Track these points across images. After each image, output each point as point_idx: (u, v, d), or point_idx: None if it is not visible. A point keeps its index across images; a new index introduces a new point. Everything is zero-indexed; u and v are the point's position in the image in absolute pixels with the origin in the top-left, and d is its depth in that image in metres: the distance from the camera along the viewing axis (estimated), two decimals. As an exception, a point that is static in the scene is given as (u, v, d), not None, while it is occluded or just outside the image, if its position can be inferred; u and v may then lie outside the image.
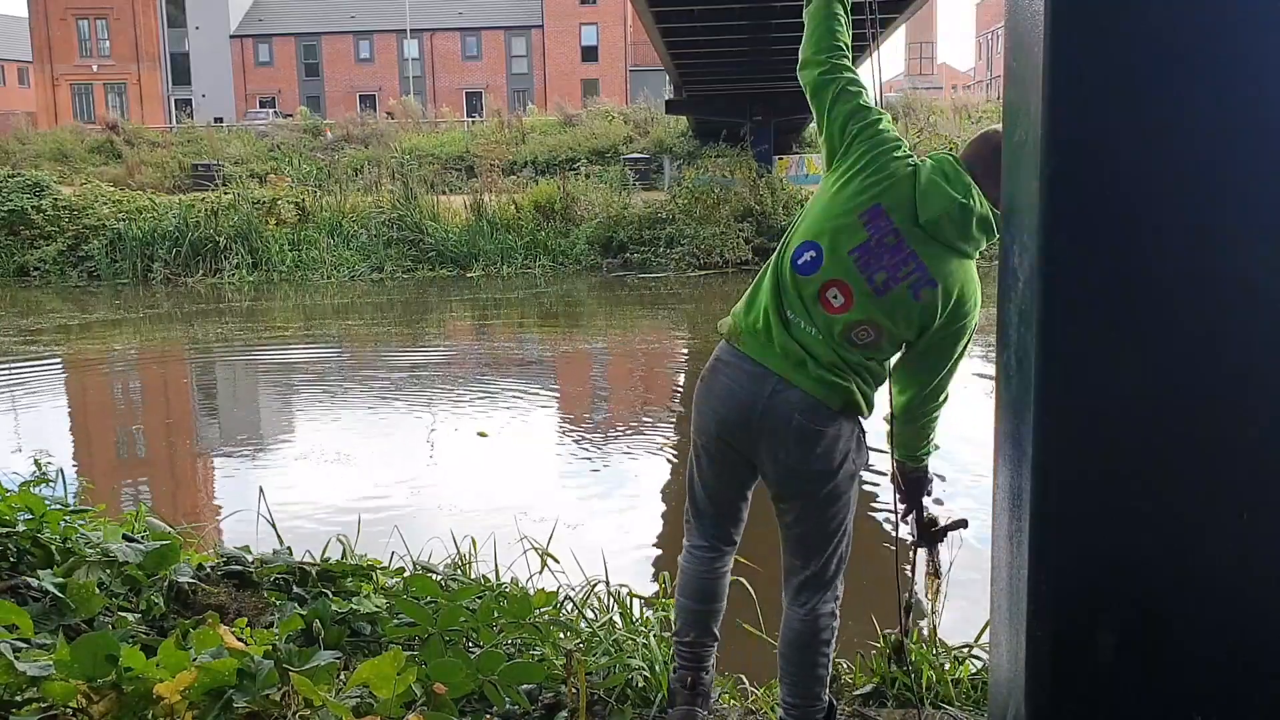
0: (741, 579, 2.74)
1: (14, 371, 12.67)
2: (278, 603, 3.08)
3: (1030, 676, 1.65)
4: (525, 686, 2.66)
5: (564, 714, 2.68)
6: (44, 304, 18.83)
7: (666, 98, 31.33)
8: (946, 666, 3.00)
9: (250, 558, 3.38)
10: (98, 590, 2.81)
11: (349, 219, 22.63)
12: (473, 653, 2.75)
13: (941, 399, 2.49)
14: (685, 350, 13.82)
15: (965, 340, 2.40)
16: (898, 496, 2.67)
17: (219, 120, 42.60)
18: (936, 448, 2.60)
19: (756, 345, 2.36)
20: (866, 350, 2.35)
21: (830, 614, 2.48)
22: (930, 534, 2.71)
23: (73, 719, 2.15)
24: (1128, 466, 1.58)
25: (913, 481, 2.64)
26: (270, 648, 2.40)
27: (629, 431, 8.89)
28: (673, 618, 2.75)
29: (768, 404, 2.33)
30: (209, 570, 3.29)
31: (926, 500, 2.69)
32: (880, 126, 2.40)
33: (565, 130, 32.30)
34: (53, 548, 3.11)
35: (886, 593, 3.40)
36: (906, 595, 2.74)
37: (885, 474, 2.94)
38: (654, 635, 3.10)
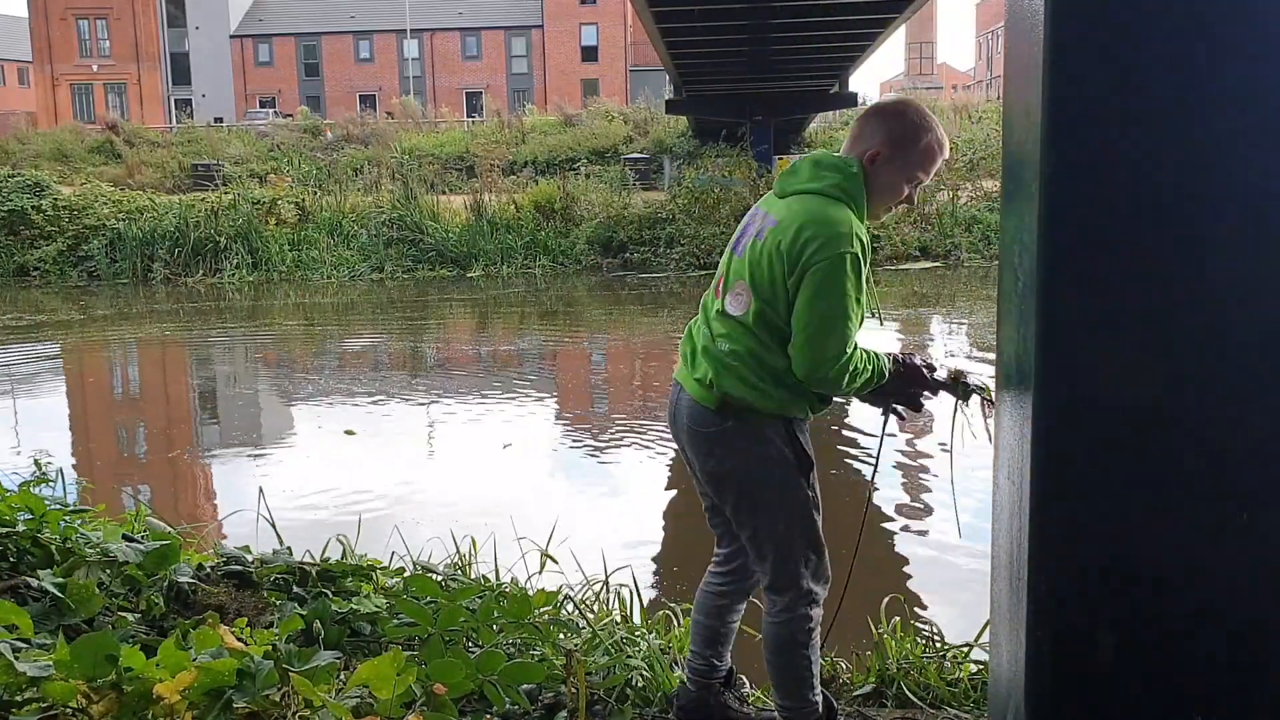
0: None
1: (13, 371, 12.67)
2: (278, 603, 3.08)
3: (1030, 676, 1.65)
4: (525, 686, 2.66)
5: (564, 714, 2.68)
6: (44, 304, 18.83)
7: (666, 98, 31.33)
8: (946, 666, 3.00)
9: (250, 558, 3.38)
10: (98, 590, 2.81)
11: (349, 219, 22.61)
12: (473, 653, 2.75)
13: (826, 350, 2.22)
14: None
15: (819, 278, 2.19)
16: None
17: (219, 120, 42.59)
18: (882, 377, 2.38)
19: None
20: (741, 317, 2.30)
21: (803, 617, 2.42)
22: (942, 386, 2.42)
23: (73, 719, 2.15)
24: (1128, 467, 1.58)
25: (873, 395, 2.44)
26: (270, 648, 2.40)
27: (630, 429, 8.89)
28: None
29: (674, 411, 2.47)
30: (209, 570, 3.29)
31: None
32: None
33: (565, 130, 32.30)
34: (53, 548, 3.11)
35: (879, 595, 3.40)
36: None
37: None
38: (654, 635, 3.10)
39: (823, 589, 2.45)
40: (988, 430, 2.29)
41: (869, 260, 2.30)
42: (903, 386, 2.44)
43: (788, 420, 2.36)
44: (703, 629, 2.63)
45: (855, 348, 2.27)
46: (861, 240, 2.25)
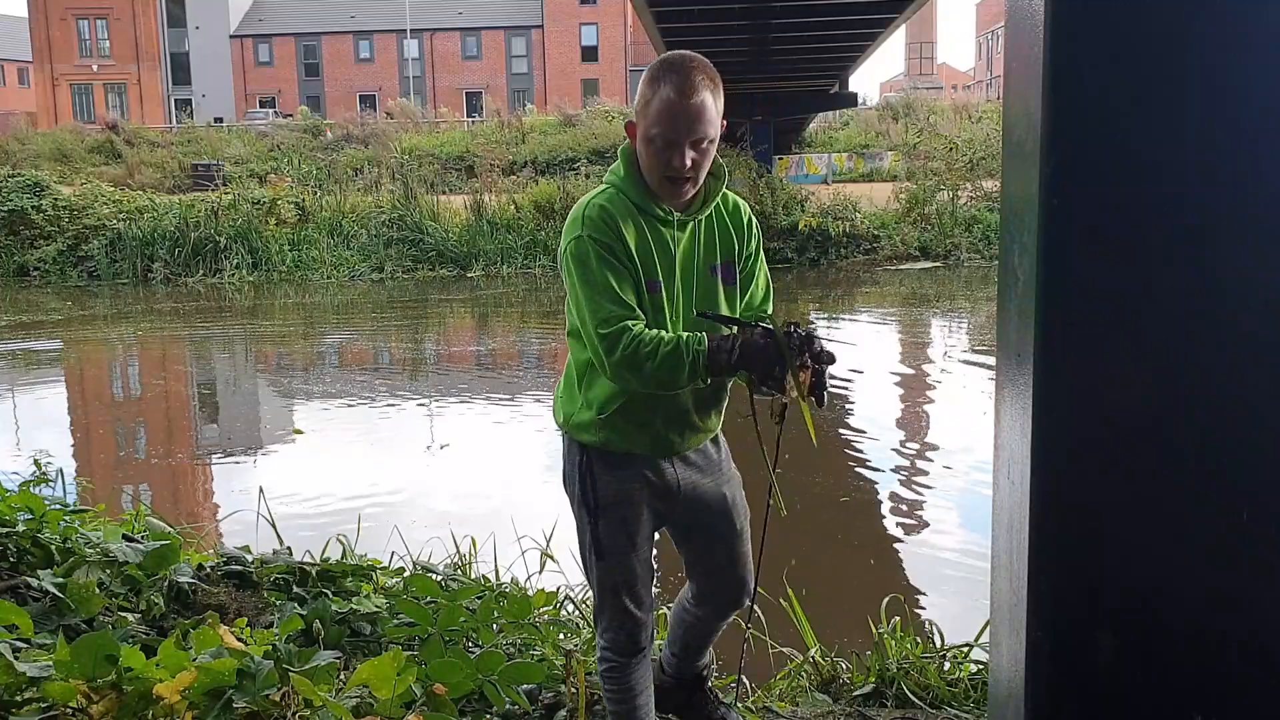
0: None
1: (13, 372, 12.67)
2: (278, 603, 3.08)
3: (1030, 676, 1.65)
4: (525, 686, 2.66)
5: (564, 714, 2.68)
6: (43, 304, 18.83)
7: (666, 98, 31.28)
8: (946, 666, 3.00)
9: (250, 558, 3.38)
10: (98, 590, 2.82)
11: (349, 219, 22.61)
12: (473, 653, 2.75)
13: (590, 335, 2.04)
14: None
15: (564, 270, 2.08)
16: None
17: (219, 120, 42.60)
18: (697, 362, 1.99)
19: None
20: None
21: (600, 658, 2.29)
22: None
23: (73, 719, 2.15)
24: (1128, 466, 1.58)
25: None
26: (270, 648, 2.40)
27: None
28: None
29: None
30: (209, 570, 3.29)
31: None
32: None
33: (565, 130, 32.32)
34: (53, 548, 3.11)
35: (879, 595, 3.40)
36: None
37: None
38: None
39: (616, 636, 2.23)
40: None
41: (635, 236, 2.06)
42: (758, 367, 2.00)
43: (582, 446, 2.17)
44: (676, 634, 2.56)
45: (632, 332, 1.99)
46: (601, 220, 2.04)
